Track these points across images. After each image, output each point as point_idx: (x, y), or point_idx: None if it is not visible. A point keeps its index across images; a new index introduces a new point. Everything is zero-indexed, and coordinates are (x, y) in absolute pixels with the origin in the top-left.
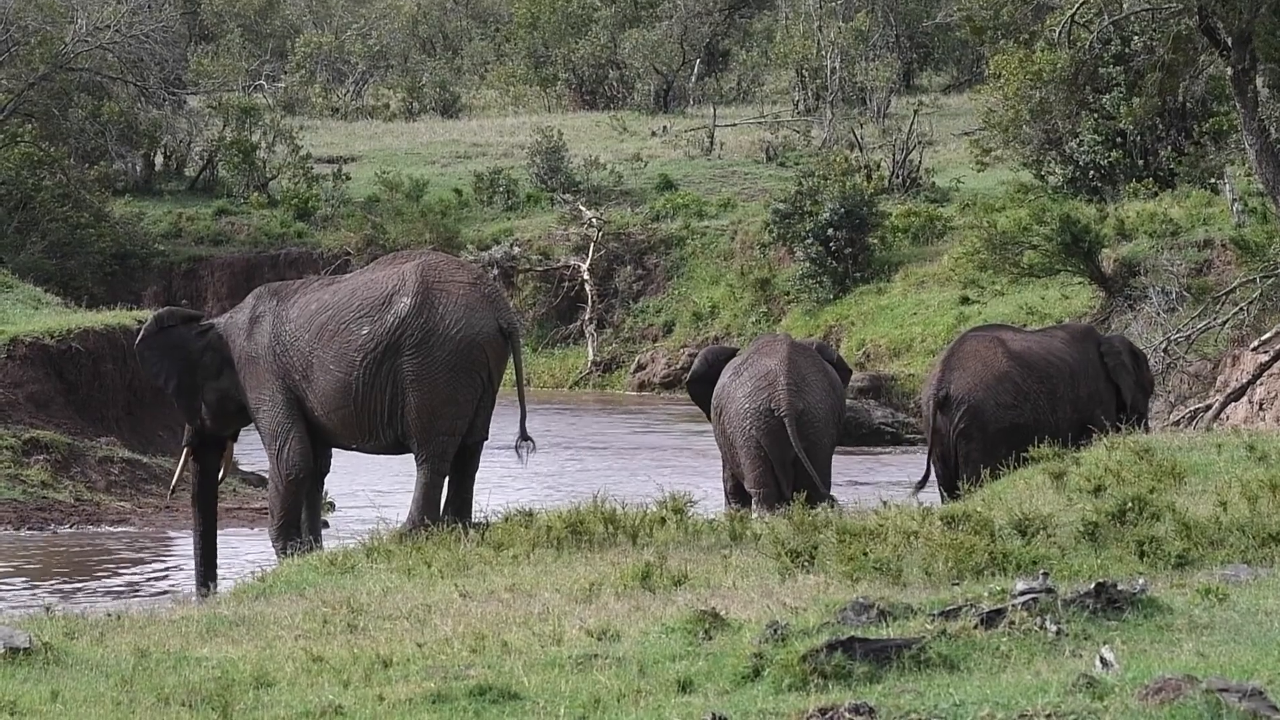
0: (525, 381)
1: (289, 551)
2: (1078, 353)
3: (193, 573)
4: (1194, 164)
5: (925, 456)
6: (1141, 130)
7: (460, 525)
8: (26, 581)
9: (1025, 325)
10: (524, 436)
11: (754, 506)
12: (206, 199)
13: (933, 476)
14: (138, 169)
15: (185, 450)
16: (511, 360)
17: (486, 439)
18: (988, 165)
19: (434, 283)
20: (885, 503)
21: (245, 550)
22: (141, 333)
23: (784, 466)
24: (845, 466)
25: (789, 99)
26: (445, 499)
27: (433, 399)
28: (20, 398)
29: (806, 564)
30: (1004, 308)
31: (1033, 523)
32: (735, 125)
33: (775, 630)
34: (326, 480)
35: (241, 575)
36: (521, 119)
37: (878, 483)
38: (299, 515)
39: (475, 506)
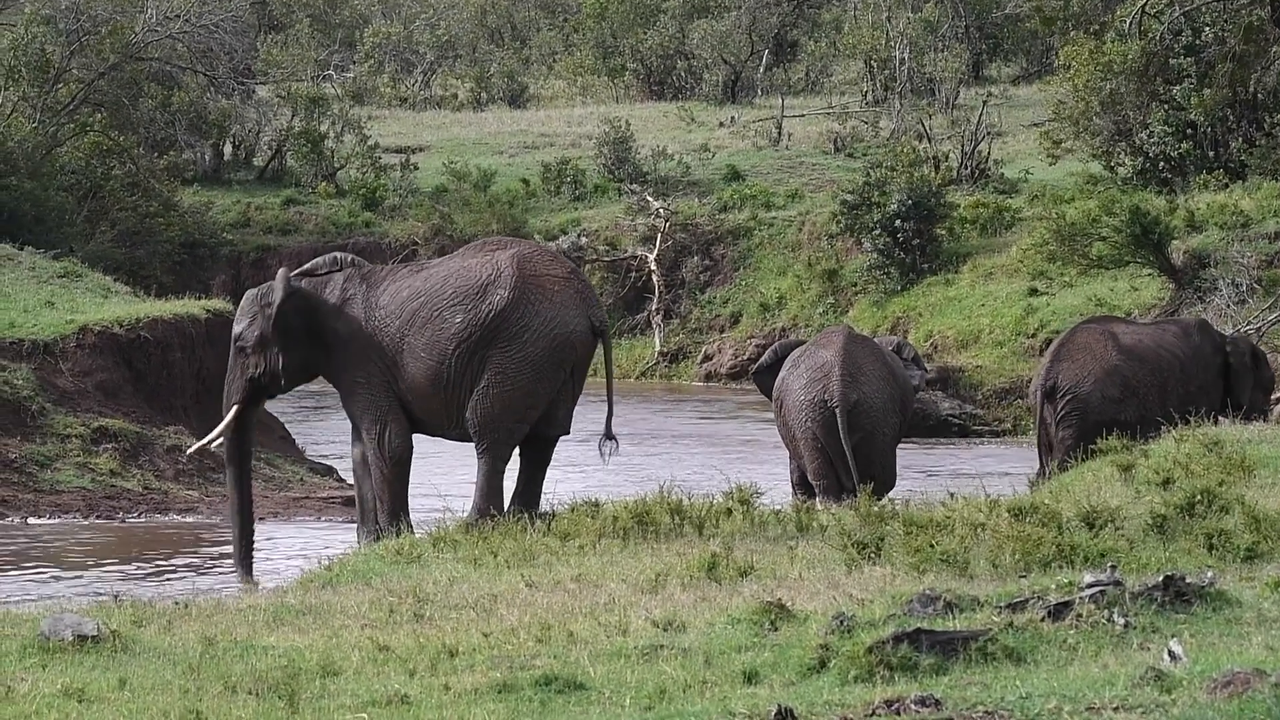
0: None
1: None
2: (1189, 347)
3: (258, 562)
4: (1265, 155)
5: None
6: (1212, 121)
7: (526, 515)
8: (96, 569)
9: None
10: (609, 435)
11: (818, 497)
12: (275, 188)
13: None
14: (206, 158)
15: (236, 406)
16: (600, 355)
17: (567, 433)
18: (1058, 157)
19: (530, 276)
20: (952, 494)
21: (312, 539)
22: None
23: (842, 457)
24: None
25: (857, 90)
26: (515, 489)
27: (513, 391)
28: (89, 386)
29: (873, 555)
30: (1072, 299)
31: (1100, 515)
32: (803, 116)
33: (841, 622)
34: None
35: (308, 564)
36: (589, 109)
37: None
38: (407, 498)
39: (543, 496)
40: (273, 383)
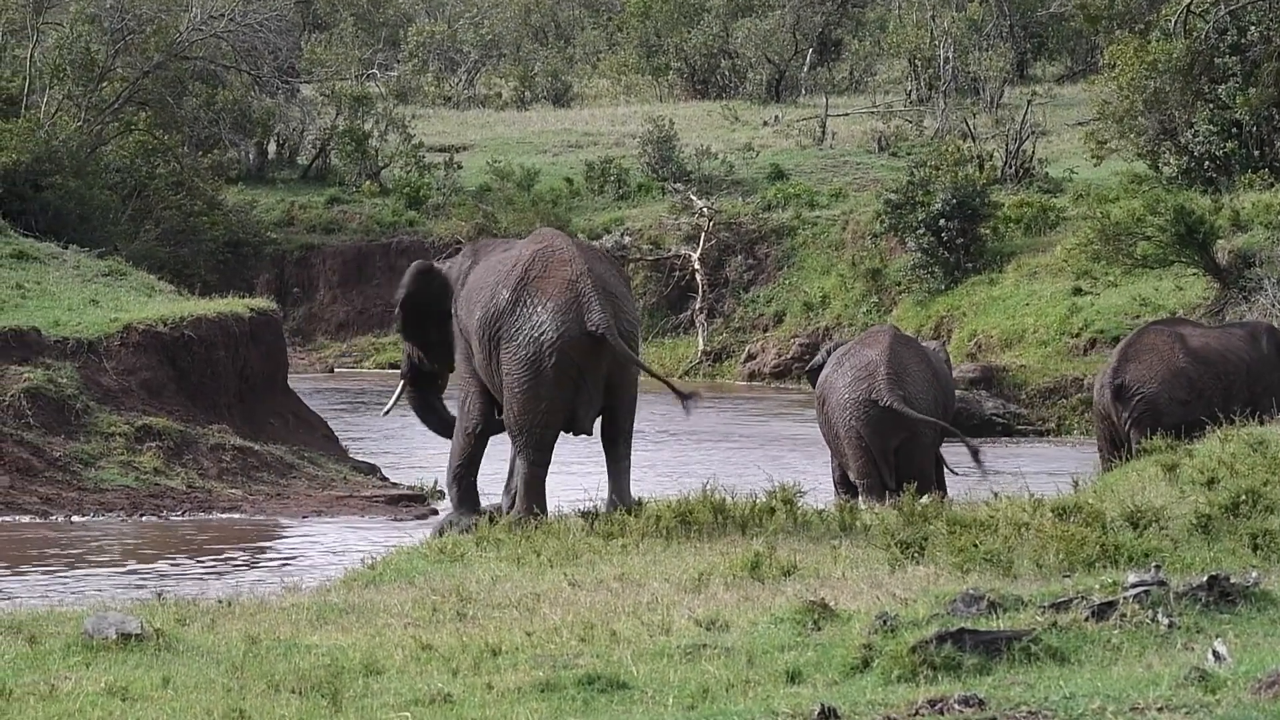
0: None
1: (461, 508)
2: (1256, 351)
3: (302, 560)
4: None
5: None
6: (1258, 120)
7: (620, 508)
8: (139, 567)
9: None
10: (684, 396)
11: (861, 496)
12: (319, 187)
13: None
14: (251, 157)
15: (402, 382)
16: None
17: (588, 434)
18: (1102, 156)
19: (534, 278)
20: (996, 494)
21: (355, 537)
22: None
23: (885, 456)
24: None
25: (901, 89)
26: (608, 489)
27: (520, 394)
28: (133, 385)
29: (916, 555)
30: (1117, 299)
31: (1145, 515)
32: (847, 115)
33: (885, 621)
34: (436, 467)
35: (352, 562)
36: (633, 108)
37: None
38: (474, 468)
39: (584, 494)
40: (423, 360)
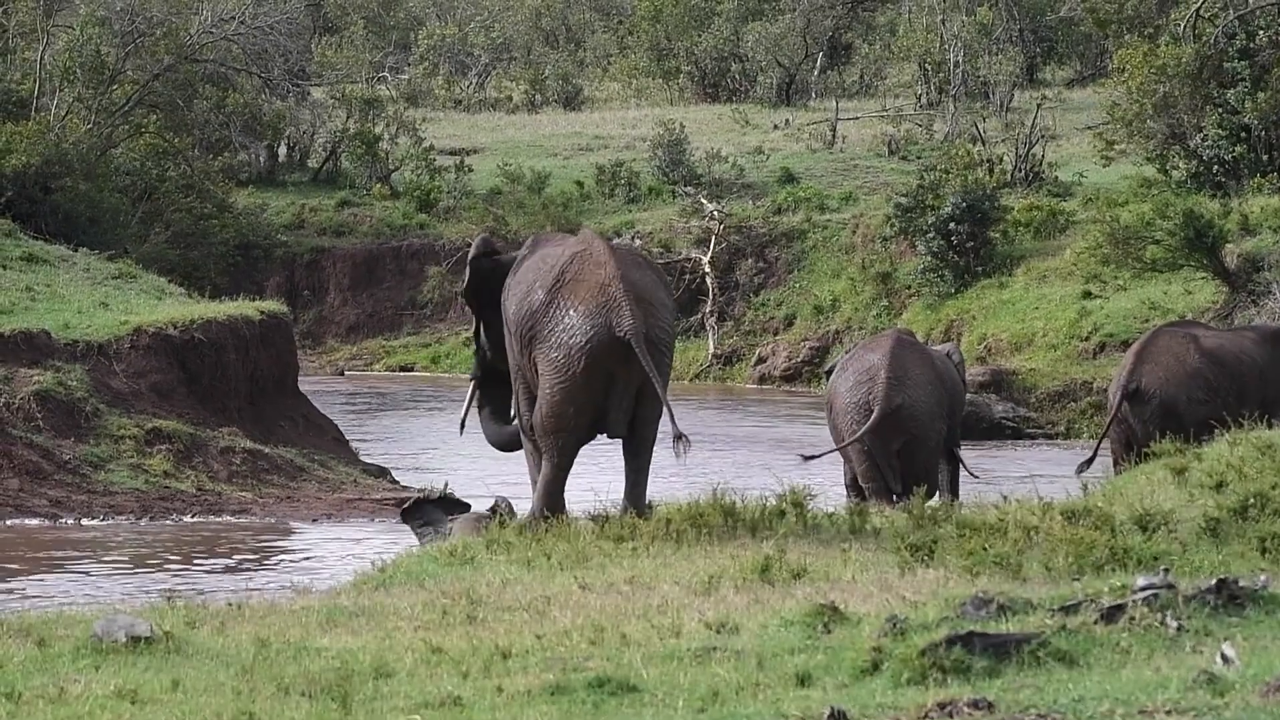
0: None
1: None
2: (1266, 353)
3: (311, 563)
4: None
5: (1097, 445)
6: (1266, 125)
7: (635, 512)
8: (148, 570)
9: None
10: (677, 435)
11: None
12: (329, 190)
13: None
14: (261, 160)
15: (473, 380)
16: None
17: (621, 436)
18: (1112, 160)
19: (569, 280)
20: (1005, 497)
21: (365, 540)
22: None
23: (888, 460)
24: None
25: (911, 92)
26: (624, 494)
27: (548, 396)
28: (143, 387)
29: (926, 558)
30: (1126, 303)
31: (1154, 518)
32: (857, 119)
33: (894, 624)
34: (447, 470)
35: (362, 565)
36: (644, 111)
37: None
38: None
39: (596, 496)
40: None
